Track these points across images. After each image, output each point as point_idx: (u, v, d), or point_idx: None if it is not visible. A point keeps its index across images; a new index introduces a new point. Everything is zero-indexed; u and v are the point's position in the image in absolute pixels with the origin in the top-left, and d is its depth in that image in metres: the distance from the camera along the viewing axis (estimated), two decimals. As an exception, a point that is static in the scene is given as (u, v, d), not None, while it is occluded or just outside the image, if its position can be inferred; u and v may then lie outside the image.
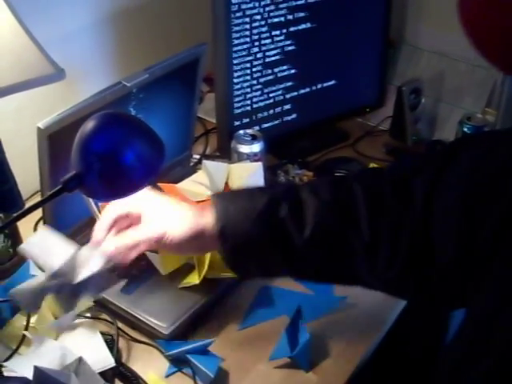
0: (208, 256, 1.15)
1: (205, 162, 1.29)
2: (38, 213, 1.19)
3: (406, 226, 0.87)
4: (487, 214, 0.78)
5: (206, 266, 1.15)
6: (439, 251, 0.84)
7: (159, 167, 0.82)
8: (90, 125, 0.77)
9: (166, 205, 0.98)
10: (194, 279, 1.16)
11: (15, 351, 1.04)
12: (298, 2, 1.46)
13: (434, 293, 0.90)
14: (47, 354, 1.01)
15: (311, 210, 0.90)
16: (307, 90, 1.60)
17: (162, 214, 0.96)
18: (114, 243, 0.96)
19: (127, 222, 1.00)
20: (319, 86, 1.62)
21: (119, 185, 0.80)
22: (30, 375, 0.90)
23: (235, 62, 1.43)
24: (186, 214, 0.95)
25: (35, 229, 1.32)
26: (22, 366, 0.99)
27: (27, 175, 1.15)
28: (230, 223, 0.91)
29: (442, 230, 0.84)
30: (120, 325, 1.13)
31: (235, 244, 0.92)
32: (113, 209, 0.99)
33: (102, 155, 0.77)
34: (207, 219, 0.93)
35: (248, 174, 1.31)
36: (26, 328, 1.06)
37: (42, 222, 1.24)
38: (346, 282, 1.00)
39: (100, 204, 1.23)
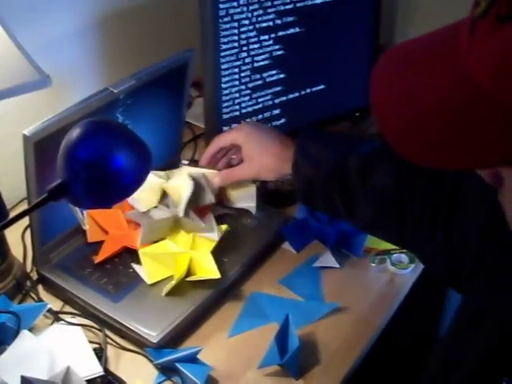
0: (187, 260, 1.18)
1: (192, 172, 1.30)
2: (25, 221, 1.19)
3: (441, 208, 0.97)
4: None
5: (184, 268, 1.18)
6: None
7: (145, 175, 0.81)
8: (75, 133, 0.76)
9: (262, 144, 1.20)
10: (172, 280, 1.18)
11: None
12: (287, 7, 1.45)
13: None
14: (36, 362, 1.00)
15: (376, 174, 1.04)
16: (296, 94, 1.60)
17: (258, 156, 1.20)
18: (221, 179, 1.27)
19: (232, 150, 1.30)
20: (308, 90, 1.62)
21: (105, 192, 0.80)
22: (16, 382, 0.90)
23: (223, 66, 1.42)
24: (275, 159, 1.18)
25: (23, 237, 1.32)
26: (8, 372, 0.98)
27: (13, 183, 1.14)
28: (302, 171, 1.12)
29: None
30: (108, 333, 1.12)
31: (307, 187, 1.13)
32: (219, 139, 1.27)
33: (88, 163, 0.76)
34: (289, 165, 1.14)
35: (241, 194, 1.36)
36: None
37: (28, 230, 1.23)
38: (392, 240, 1.14)
39: (85, 212, 1.23)
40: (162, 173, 1.29)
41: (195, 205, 1.25)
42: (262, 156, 1.19)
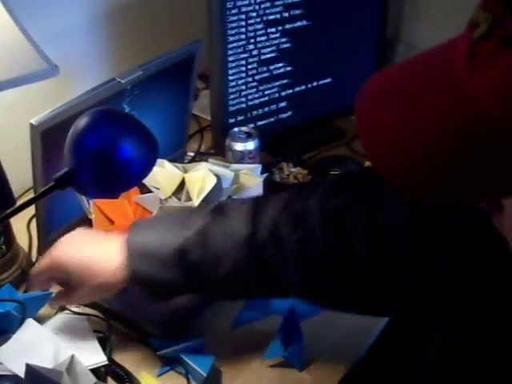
0: None
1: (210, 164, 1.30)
2: (31, 210, 1.19)
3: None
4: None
5: None
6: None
7: (152, 164, 0.82)
8: (82, 122, 0.77)
9: (90, 263, 0.98)
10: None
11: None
12: (294, 0, 1.45)
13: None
14: (40, 351, 1.01)
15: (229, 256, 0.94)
16: (303, 87, 1.60)
17: (88, 279, 0.98)
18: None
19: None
20: (315, 83, 1.62)
21: (112, 182, 0.80)
22: (21, 370, 0.90)
23: (230, 59, 1.43)
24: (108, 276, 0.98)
25: (28, 226, 1.32)
26: (12, 360, 0.98)
27: (20, 172, 1.15)
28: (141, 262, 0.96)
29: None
30: (112, 323, 1.13)
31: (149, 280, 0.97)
32: (46, 264, 1.01)
33: (95, 152, 0.76)
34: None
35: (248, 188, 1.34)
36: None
37: (34, 220, 1.23)
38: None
39: (92, 201, 1.23)
40: (178, 165, 1.30)
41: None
42: (91, 278, 0.98)
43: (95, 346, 1.06)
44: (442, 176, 0.49)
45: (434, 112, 0.48)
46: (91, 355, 1.04)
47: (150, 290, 0.99)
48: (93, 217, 1.25)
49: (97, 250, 0.99)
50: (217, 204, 1.02)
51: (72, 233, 1.01)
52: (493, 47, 0.44)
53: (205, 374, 1.02)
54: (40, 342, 1.03)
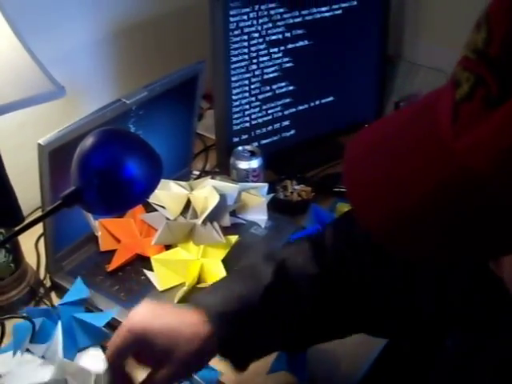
0: (198, 267, 1.21)
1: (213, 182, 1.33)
2: (39, 229, 1.21)
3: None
4: None
5: (195, 275, 1.20)
6: None
7: (157, 182, 0.83)
8: (88, 141, 0.78)
9: (175, 330, 0.87)
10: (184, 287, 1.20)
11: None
12: (296, 20, 1.48)
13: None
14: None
15: (305, 286, 0.93)
16: (305, 106, 1.62)
17: (176, 347, 0.86)
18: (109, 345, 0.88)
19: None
20: (317, 102, 1.64)
21: (118, 199, 0.81)
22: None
23: (234, 79, 1.45)
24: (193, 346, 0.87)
25: (36, 245, 1.34)
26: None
27: (29, 191, 1.17)
28: (229, 329, 0.88)
29: None
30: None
31: (239, 348, 0.91)
32: (124, 337, 0.86)
33: (101, 171, 0.78)
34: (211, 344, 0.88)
35: (252, 207, 1.38)
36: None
37: (42, 239, 1.25)
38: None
39: (97, 220, 1.26)
40: (184, 183, 1.32)
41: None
42: (180, 345, 0.86)
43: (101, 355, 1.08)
44: (436, 239, 0.47)
45: (420, 175, 0.47)
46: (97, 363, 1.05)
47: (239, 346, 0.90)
48: (99, 235, 1.28)
49: (176, 318, 0.89)
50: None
51: (141, 305, 0.90)
52: (477, 108, 0.43)
53: (210, 389, 1.03)
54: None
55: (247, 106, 1.51)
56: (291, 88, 1.56)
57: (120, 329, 0.86)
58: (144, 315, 0.88)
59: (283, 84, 1.55)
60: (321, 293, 0.93)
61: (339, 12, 1.55)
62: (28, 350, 1.06)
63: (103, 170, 0.78)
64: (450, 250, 0.48)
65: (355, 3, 1.57)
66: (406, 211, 0.47)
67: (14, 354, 1.05)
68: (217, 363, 1.07)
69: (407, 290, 0.89)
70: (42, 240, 1.29)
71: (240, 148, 1.47)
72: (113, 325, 1.08)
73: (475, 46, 0.44)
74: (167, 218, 1.29)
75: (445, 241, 0.47)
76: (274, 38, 1.47)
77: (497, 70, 0.42)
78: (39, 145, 1.05)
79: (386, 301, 0.92)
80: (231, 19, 1.37)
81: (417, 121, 0.50)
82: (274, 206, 1.42)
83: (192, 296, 0.96)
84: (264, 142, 1.59)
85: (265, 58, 1.48)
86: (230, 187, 1.33)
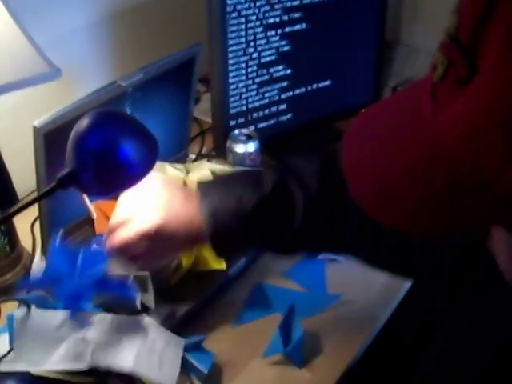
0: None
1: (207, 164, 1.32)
2: (35, 212, 1.21)
3: None
4: None
5: (191, 258, 1.18)
6: None
7: (153, 163, 0.83)
8: (83, 122, 0.78)
9: (164, 200, 0.94)
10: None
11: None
12: (294, 3, 1.47)
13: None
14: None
15: (301, 205, 0.92)
16: (302, 90, 1.61)
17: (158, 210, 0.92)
18: (117, 240, 0.92)
19: None
20: (314, 86, 1.63)
21: (113, 181, 0.82)
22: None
23: (231, 62, 1.44)
24: (181, 216, 0.93)
25: (32, 228, 1.34)
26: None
27: (24, 174, 1.16)
28: (218, 226, 0.91)
29: None
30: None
31: (225, 243, 0.94)
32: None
33: (96, 152, 0.78)
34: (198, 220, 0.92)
35: None
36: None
37: (38, 222, 1.25)
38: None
39: (93, 202, 1.25)
40: (180, 166, 1.31)
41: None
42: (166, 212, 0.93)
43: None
44: (420, 211, 0.50)
45: (403, 148, 0.50)
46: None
47: (225, 241, 0.94)
48: (95, 217, 1.27)
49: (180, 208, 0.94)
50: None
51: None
52: (449, 87, 0.47)
53: (206, 372, 1.04)
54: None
55: (244, 90, 1.51)
56: (288, 72, 1.56)
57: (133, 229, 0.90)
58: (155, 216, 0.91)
59: (280, 67, 1.54)
60: (316, 210, 0.93)
61: (337, -5, 1.54)
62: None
63: (98, 152, 0.78)
64: (424, 224, 0.51)
65: (353, -14, 1.56)
66: (389, 184, 0.50)
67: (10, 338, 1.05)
68: (211, 346, 1.08)
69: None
70: (37, 223, 1.29)
71: (236, 131, 1.46)
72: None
73: (449, 31, 0.48)
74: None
75: (420, 214, 0.50)
76: (271, 21, 1.46)
77: (465, 53, 0.45)
78: (34, 127, 1.04)
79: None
80: (228, 2, 1.36)
81: (407, 98, 0.54)
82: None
83: (199, 184, 0.98)
84: (261, 125, 1.58)
85: (262, 42, 1.47)
86: (227, 170, 1.32)
